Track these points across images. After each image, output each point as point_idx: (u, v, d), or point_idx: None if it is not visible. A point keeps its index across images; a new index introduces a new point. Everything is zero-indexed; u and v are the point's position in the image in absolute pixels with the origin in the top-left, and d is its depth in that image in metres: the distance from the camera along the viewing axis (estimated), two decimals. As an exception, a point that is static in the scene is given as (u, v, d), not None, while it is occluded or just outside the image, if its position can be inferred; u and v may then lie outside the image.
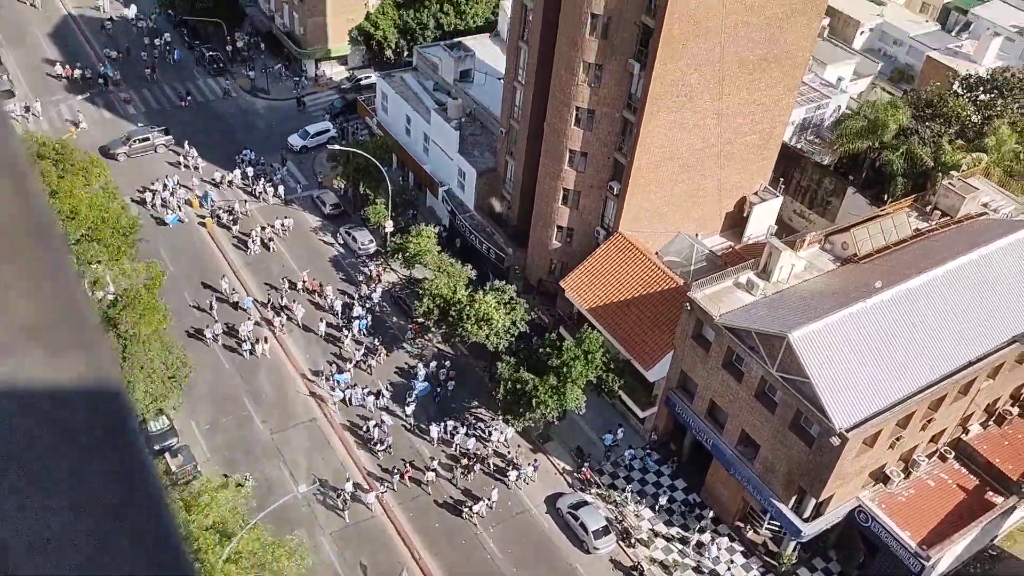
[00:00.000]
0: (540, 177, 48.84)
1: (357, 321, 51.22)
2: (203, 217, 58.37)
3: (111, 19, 77.92)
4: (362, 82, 71.47)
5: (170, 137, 63.44)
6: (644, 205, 46.50)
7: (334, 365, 49.19)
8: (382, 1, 70.33)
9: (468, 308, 45.43)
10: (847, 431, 34.52)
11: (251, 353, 49.02)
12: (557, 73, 44.67)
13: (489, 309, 45.25)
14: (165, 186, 59.36)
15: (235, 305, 52.07)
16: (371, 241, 56.78)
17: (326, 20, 71.15)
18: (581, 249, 48.54)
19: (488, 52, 60.54)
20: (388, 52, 69.84)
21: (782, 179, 52.81)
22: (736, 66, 43.94)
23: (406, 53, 68.67)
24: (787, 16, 43.88)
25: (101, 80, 69.75)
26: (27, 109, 65.11)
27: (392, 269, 55.64)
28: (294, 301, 52.35)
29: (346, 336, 50.42)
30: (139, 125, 64.51)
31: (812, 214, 53.89)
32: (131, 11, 78.81)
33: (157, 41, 74.99)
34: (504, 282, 48.26)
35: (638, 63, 41.78)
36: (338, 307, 52.47)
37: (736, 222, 51.12)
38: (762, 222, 50.71)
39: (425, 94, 58.82)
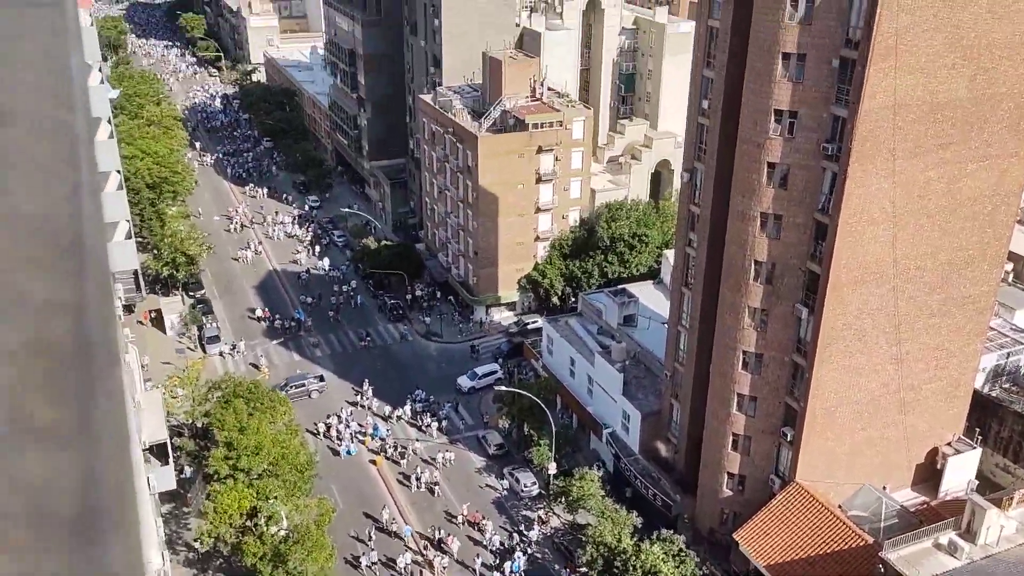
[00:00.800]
0: (707, 421, 47.66)
1: (510, 563, 49.59)
2: (374, 452, 60.48)
3: (307, 271, 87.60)
4: (529, 326, 74.73)
5: (324, 383, 67.66)
6: (821, 453, 43.87)
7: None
8: (549, 252, 75.07)
9: (634, 559, 43.10)
10: None
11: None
12: (722, 318, 44.93)
13: (657, 561, 42.73)
14: (340, 418, 62.76)
15: (393, 535, 52.22)
16: (534, 483, 56.22)
17: (497, 270, 76.47)
18: (754, 498, 45.75)
19: (651, 297, 62.22)
20: (554, 298, 73.28)
21: (978, 429, 48.65)
22: (913, 311, 42.60)
23: (571, 299, 71.74)
24: (964, 262, 42.77)
25: (293, 324, 77.07)
26: (233, 347, 72.92)
27: (555, 513, 54.31)
28: (449, 535, 51.79)
29: (495, 576, 48.81)
30: (298, 372, 69.26)
31: (1019, 469, 48.69)
32: (325, 263, 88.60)
33: (344, 288, 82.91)
34: (672, 531, 45.78)
35: (806, 308, 41.40)
36: (496, 543, 51.30)
37: (928, 475, 46.94)
38: (959, 476, 46.28)
39: (589, 337, 60.43)
